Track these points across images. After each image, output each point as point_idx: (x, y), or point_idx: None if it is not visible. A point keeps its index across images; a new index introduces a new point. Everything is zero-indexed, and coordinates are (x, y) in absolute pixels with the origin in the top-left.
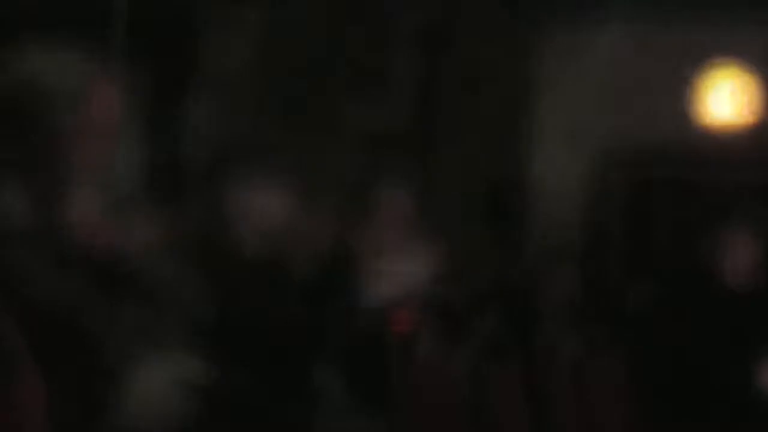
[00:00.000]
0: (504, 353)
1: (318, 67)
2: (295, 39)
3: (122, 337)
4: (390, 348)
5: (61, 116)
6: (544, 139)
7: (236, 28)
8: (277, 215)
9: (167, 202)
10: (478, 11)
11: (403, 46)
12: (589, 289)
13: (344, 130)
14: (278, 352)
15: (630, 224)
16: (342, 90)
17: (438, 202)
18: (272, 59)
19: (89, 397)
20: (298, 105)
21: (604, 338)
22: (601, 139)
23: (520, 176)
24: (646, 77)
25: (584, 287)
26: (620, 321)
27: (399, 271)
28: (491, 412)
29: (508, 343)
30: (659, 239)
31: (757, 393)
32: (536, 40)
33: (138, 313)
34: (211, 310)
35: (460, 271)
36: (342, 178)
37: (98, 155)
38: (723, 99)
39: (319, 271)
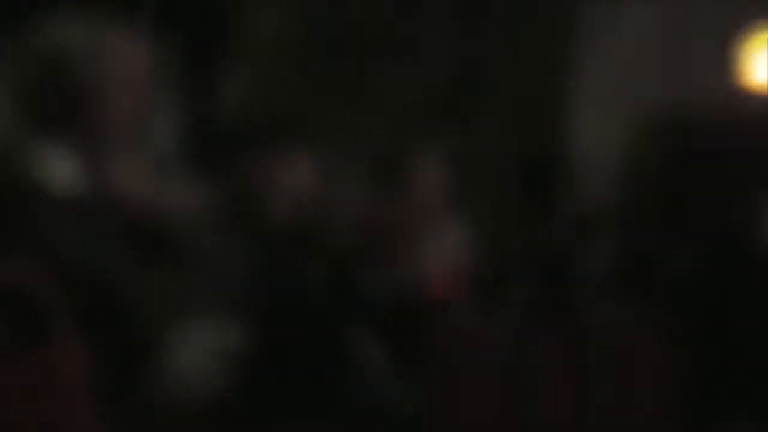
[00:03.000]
0: (543, 320)
1: (353, 35)
2: (330, 6)
3: (160, 304)
4: (427, 315)
5: (92, 77)
6: (582, 106)
7: None
8: (311, 184)
9: (204, 169)
10: None
11: (439, 13)
12: (627, 257)
13: (379, 100)
14: (313, 319)
15: (668, 193)
16: (376, 58)
17: (474, 172)
18: (306, 27)
19: (128, 365)
20: (332, 74)
21: (642, 306)
22: (640, 107)
23: (558, 145)
24: (686, 44)
25: (622, 255)
26: (657, 289)
27: (435, 239)
28: (531, 377)
29: (546, 310)
30: (697, 207)
31: None
32: (574, 7)
33: (176, 280)
34: (248, 277)
35: (497, 239)
36: (376, 149)
37: (132, 116)
38: (765, 66)
39: (354, 239)
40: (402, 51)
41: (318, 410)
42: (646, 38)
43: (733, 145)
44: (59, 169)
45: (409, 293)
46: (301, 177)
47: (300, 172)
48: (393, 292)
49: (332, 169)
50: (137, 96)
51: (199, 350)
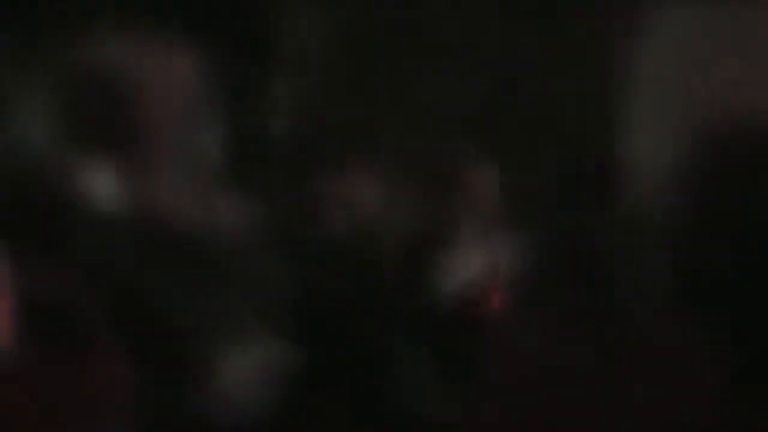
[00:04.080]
0: (591, 332)
1: (399, 41)
2: (378, 10)
3: (207, 321)
4: (474, 328)
5: (135, 90)
6: (637, 111)
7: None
8: (363, 196)
9: (252, 182)
10: None
11: (487, 15)
12: (683, 267)
13: (428, 107)
14: (362, 333)
15: (727, 199)
16: (425, 64)
17: (526, 180)
18: (354, 33)
19: (174, 383)
20: (381, 81)
21: (695, 317)
22: (697, 114)
23: (612, 151)
24: (747, 47)
25: (678, 265)
26: (712, 301)
27: (484, 250)
28: (576, 389)
29: (595, 322)
30: (757, 214)
31: None
32: (629, 8)
33: (223, 296)
34: (296, 293)
35: (547, 248)
36: (426, 158)
37: (176, 130)
38: None
39: (405, 253)
40: (451, 57)
41: (363, 426)
42: (705, 43)
43: None
44: (103, 184)
45: (459, 305)
46: (353, 188)
47: (352, 183)
48: (443, 304)
49: (385, 180)
50: (181, 110)
51: (249, 368)
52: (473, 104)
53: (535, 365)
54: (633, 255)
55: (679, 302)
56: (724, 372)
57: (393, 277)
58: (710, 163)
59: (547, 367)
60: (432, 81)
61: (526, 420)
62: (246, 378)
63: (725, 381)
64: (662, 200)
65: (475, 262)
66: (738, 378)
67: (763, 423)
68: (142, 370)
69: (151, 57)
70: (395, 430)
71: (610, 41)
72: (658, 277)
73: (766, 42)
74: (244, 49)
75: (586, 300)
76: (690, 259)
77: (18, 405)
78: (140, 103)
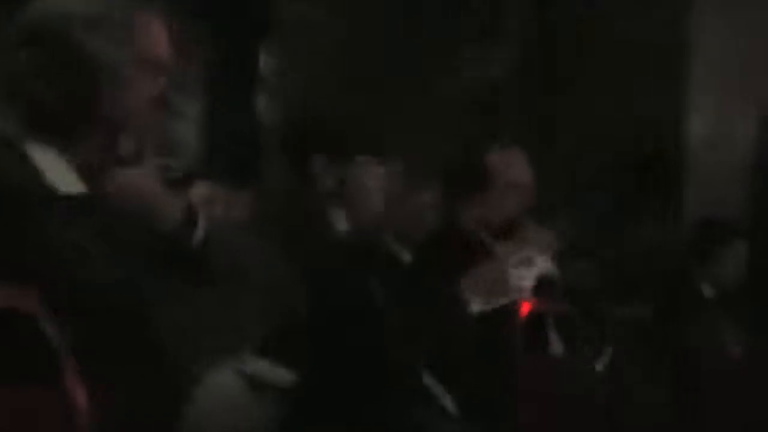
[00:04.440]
0: (649, 350)
1: (413, 20)
2: None
3: (190, 333)
4: (504, 344)
5: (105, 52)
6: (695, 97)
7: None
8: (374, 191)
9: (244, 175)
10: None
11: None
12: (756, 270)
13: (449, 91)
14: (372, 351)
15: None
16: (447, 43)
17: (565, 171)
18: (360, 10)
19: (152, 403)
20: (393, 64)
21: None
22: (762, 98)
23: (666, 141)
24: None
25: (751, 268)
26: None
27: (516, 251)
28: (626, 417)
29: (655, 337)
30: None
31: None
32: None
33: (208, 305)
34: (295, 302)
35: (592, 250)
36: (448, 147)
37: (154, 106)
38: None
39: (422, 256)
40: (478, 34)
41: None
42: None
43: None
44: (57, 169)
45: (492, 317)
46: (361, 182)
47: (360, 175)
48: (464, 316)
49: (398, 171)
50: (160, 82)
51: (235, 389)
52: (501, 84)
53: (577, 385)
54: (702, 255)
55: (758, 305)
56: None
57: (408, 283)
58: None
59: (592, 388)
60: (451, 60)
61: None
62: (232, 402)
63: None
64: (732, 191)
65: (513, 272)
66: None
67: None
68: (119, 390)
69: (124, 16)
70: None
71: (670, 21)
72: (735, 278)
73: None
74: (236, 27)
75: (649, 308)
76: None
77: None
78: (107, 69)
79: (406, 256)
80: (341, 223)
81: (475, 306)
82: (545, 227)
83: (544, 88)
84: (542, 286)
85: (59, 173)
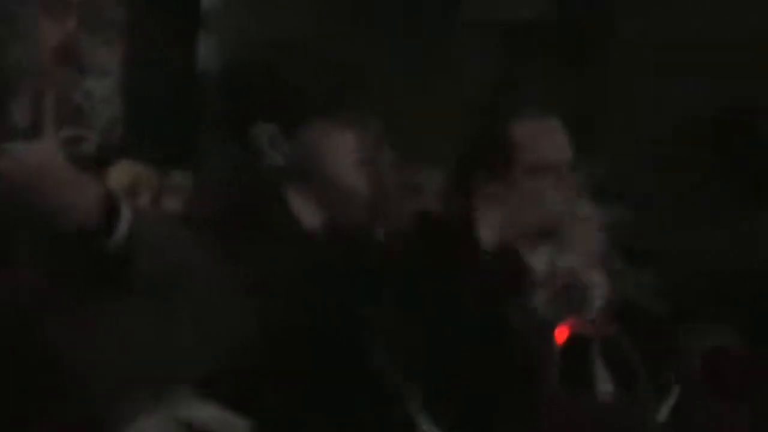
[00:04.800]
0: (734, 392)
1: None
2: None
3: (108, 367)
4: (535, 377)
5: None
6: None
7: None
8: (358, 174)
9: (179, 150)
10: None
11: None
12: None
13: (457, 34)
14: (362, 388)
15: None
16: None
17: (622, 147)
18: None
19: None
20: (386, 11)
21: None
22: None
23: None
24: None
25: None
26: None
27: (554, 256)
28: None
29: (743, 374)
30: None
31: None
32: None
33: (133, 327)
34: (249, 323)
35: (656, 255)
36: (456, 111)
37: (59, 64)
38: None
39: (424, 262)
40: None
41: None
42: None
43: None
44: None
45: (515, 340)
46: (340, 162)
47: (338, 153)
48: (491, 339)
49: (392, 149)
50: (66, 26)
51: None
52: (530, 31)
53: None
54: None
55: None
56: None
57: (404, 297)
58: None
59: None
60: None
61: None
62: None
63: None
64: None
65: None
66: None
67: None
68: None
69: None
70: None
71: None
72: None
73: None
74: None
75: (731, 334)
76: None
77: None
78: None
79: (396, 261)
80: (309, 214)
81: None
82: (591, 223)
83: (593, 33)
84: (587, 301)
85: None
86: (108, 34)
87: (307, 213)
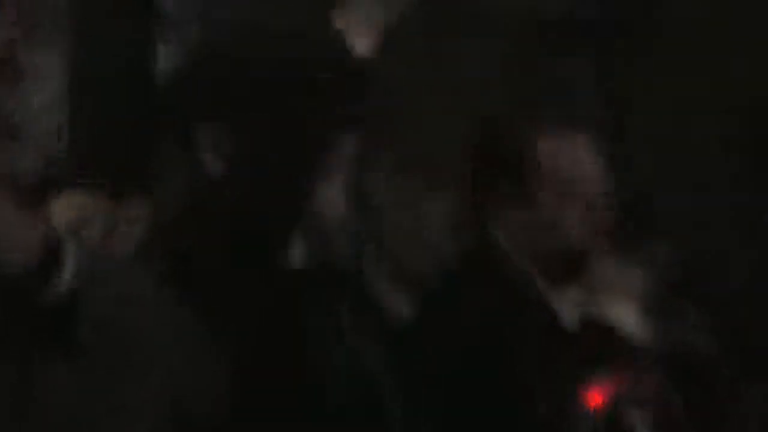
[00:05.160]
0: None
1: None
2: None
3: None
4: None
5: None
6: None
7: None
8: (342, 192)
9: (135, 173)
10: None
11: None
12: None
13: (470, 19)
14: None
15: None
16: None
17: (663, 166)
18: None
19: None
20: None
21: None
22: None
23: None
24: None
25: None
26: None
27: (590, 286)
28: None
29: None
30: None
31: None
32: None
33: (79, 401)
34: (222, 365)
35: (706, 295)
36: (466, 118)
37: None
38: None
39: (432, 306)
40: None
41: None
42: None
43: None
44: None
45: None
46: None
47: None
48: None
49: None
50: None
51: None
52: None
53: None
54: None
55: None
56: None
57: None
58: None
59: None
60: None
61: None
62: None
63: None
64: None
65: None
66: None
67: None
68: None
69: None
70: None
71: None
72: None
73: None
74: None
75: None
76: None
77: None
78: None
79: (404, 306)
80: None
81: None
82: (628, 259)
83: (633, 27)
84: (625, 355)
85: None
86: (51, 28)
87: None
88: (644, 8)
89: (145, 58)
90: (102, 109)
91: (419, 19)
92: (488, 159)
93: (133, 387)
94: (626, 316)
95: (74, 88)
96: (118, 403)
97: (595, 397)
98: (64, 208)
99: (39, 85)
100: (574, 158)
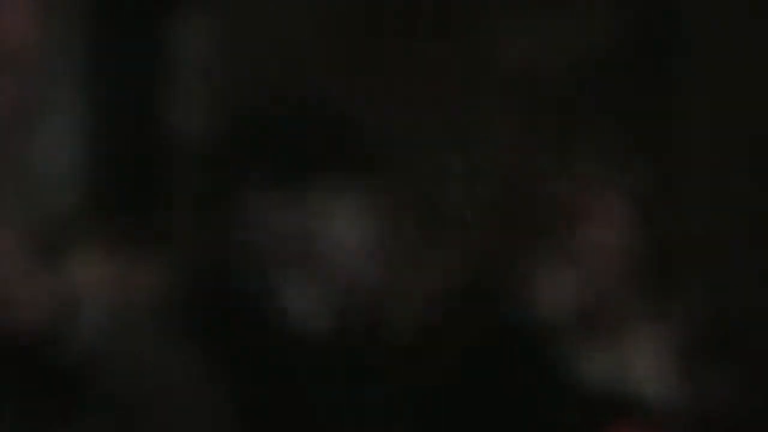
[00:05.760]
0: None
1: None
2: None
3: None
4: None
5: None
6: None
7: None
8: (365, 240)
9: (141, 216)
10: None
11: None
12: None
13: (495, 74)
14: None
15: None
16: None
17: (696, 217)
18: None
19: None
20: (398, 26)
21: None
22: None
23: None
24: None
25: None
26: None
27: (618, 337)
28: None
29: None
30: None
31: None
32: None
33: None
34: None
35: (740, 351)
36: (489, 170)
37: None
38: None
39: (457, 371)
40: None
41: None
42: None
43: None
44: None
45: None
46: (344, 225)
47: (343, 216)
48: None
49: (414, 202)
50: (16, 78)
51: None
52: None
53: None
54: None
55: None
56: None
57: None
58: None
59: None
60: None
61: None
62: None
63: None
64: None
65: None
66: None
67: None
68: None
69: None
70: None
71: None
72: None
73: None
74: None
75: None
76: None
77: None
78: None
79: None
80: (304, 306)
81: None
82: (654, 312)
83: (664, 69)
84: (651, 416)
85: None
86: (65, 90)
87: (308, 309)
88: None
89: (158, 116)
90: (118, 159)
91: None
92: (507, 209)
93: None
94: (652, 374)
95: (89, 128)
96: None
97: None
98: (85, 265)
99: (53, 121)
100: (602, 211)
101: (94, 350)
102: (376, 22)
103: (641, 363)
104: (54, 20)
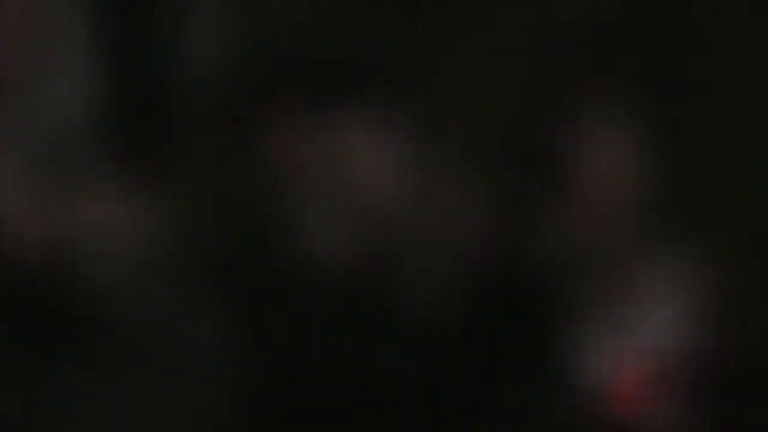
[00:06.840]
0: None
1: None
2: None
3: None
4: None
5: None
6: None
7: None
8: (377, 185)
9: (147, 161)
10: None
11: None
12: None
13: (513, 30)
14: None
15: None
16: None
17: (700, 168)
18: None
19: None
20: None
21: None
22: None
23: None
24: None
25: None
26: None
27: (626, 301)
28: None
29: None
30: None
31: None
32: None
33: (102, 404)
34: (242, 370)
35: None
36: (505, 122)
37: (12, 71)
38: None
39: (465, 314)
40: None
41: None
42: None
43: None
44: None
45: (572, 404)
46: (353, 172)
47: (353, 161)
48: (539, 398)
49: (420, 157)
50: (22, 39)
51: None
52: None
53: None
54: None
55: None
56: None
57: (434, 341)
58: None
59: None
60: None
61: None
62: None
63: None
64: None
65: (608, 321)
66: None
67: None
68: None
69: None
70: None
71: None
72: None
73: None
74: None
75: None
76: None
77: None
78: None
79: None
80: (320, 240)
81: None
82: (672, 262)
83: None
84: (662, 369)
85: None
86: (77, 31)
87: (317, 238)
88: None
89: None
90: (131, 97)
91: None
92: (526, 149)
93: (149, 390)
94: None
95: (101, 66)
96: (132, 407)
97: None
98: (89, 202)
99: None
100: (617, 156)
101: (108, 289)
102: None
103: (657, 312)
104: None
